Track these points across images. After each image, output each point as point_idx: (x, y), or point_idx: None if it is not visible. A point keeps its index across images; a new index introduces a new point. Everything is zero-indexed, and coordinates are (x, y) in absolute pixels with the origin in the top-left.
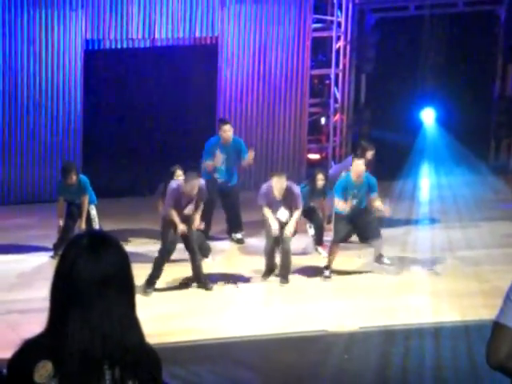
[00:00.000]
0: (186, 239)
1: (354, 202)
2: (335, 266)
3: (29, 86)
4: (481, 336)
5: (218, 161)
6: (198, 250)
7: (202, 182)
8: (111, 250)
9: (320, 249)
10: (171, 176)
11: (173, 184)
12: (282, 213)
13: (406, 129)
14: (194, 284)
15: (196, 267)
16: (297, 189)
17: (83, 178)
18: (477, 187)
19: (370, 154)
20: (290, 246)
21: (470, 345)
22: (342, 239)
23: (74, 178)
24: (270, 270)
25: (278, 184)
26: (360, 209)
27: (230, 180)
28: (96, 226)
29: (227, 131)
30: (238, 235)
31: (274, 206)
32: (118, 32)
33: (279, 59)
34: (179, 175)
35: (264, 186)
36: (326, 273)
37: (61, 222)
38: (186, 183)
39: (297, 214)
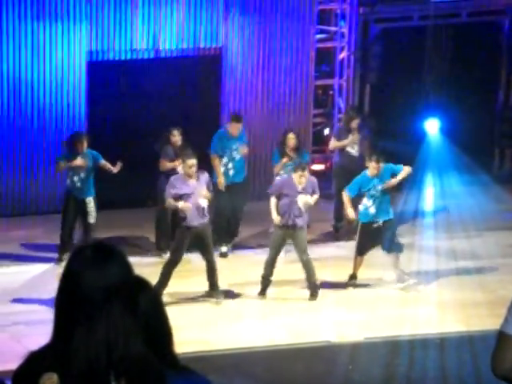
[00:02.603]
0: (203, 244)
1: (373, 206)
2: (339, 277)
3: (33, 98)
4: (486, 346)
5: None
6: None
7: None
8: (115, 261)
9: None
10: (168, 136)
11: (172, 177)
12: (301, 198)
13: (409, 139)
14: (202, 296)
15: (212, 275)
16: (313, 178)
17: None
18: (481, 197)
19: (354, 123)
20: (308, 257)
21: (475, 355)
22: (364, 253)
23: (85, 145)
24: (266, 286)
25: (299, 176)
26: (384, 219)
27: (237, 176)
28: (92, 220)
29: (239, 129)
30: (224, 248)
31: (292, 195)
32: (122, 43)
33: (283, 70)
34: (176, 135)
35: (284, 177)
36: (353, 281)
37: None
38: (184, 164)
39: (316, 196)
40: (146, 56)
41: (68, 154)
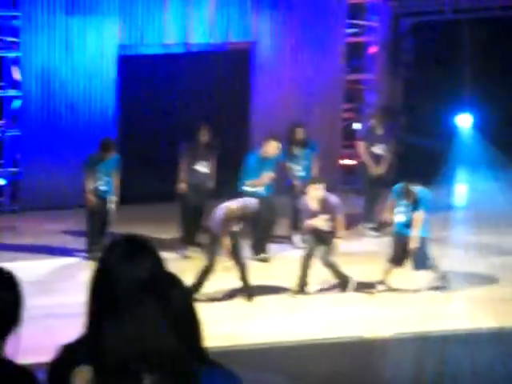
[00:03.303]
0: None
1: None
2: (370, 272)
3: (65, 92)
4: None
5: (264, 180)
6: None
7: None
8: (148, 256)
9: (296, 237)
10: (196, 132)
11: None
12: (319, 220)
13: (441, 134)
14: (232, 291)
15: (243, 275)
16: (334, 198)
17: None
18: None
19: (380, 127)
20: (328, 258)
21: (506, 351)
22: (397, 262)
23: (113, 152)
24: (303, 285)
25: (314, 193)
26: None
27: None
28: (112, 219)
29: (276, 148)
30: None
31: (310, 217)
32: (154, 38)
33: (313, 64)
34: (204, 134)
35: (300, 204)
36: (378, 288)
37: (91, 198)
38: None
39: (339, 220)
40: (176, 50)
41: (96, 159)
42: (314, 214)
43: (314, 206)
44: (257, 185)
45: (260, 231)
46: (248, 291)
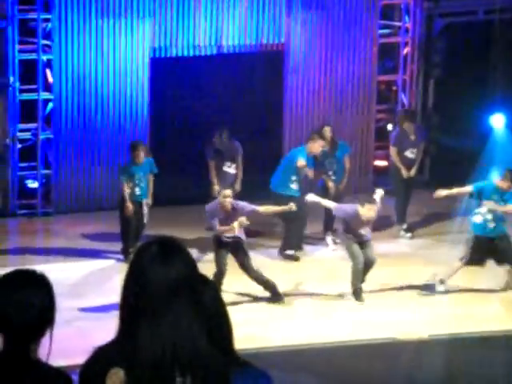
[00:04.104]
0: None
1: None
2: (401, 273)
3: (97, 94)
4: None
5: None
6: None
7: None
8: (180, 258)
9: (329, 239)
10: (220, 137)
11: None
12: (366, 230)
13: (475, 134)
14: (263, 294)
15: (262, 283)
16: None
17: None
18: None
19: (409, 128)
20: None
21: None
22: (471, 262)
23: (142, 155)
24: (359, 293)
25: (369, 212)
26: (500, 232)
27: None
28: (145, 220)
29: (322, 146)
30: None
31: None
32: (185, 39)
33: (346, 65)
34: (223, 137)
35: (349, 210)
36: (440, 288)
37: (130, 206)
38: None
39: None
40: (208, 52)
41: (130, 164)
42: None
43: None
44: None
45: (292, 230)
46: (277, 297)
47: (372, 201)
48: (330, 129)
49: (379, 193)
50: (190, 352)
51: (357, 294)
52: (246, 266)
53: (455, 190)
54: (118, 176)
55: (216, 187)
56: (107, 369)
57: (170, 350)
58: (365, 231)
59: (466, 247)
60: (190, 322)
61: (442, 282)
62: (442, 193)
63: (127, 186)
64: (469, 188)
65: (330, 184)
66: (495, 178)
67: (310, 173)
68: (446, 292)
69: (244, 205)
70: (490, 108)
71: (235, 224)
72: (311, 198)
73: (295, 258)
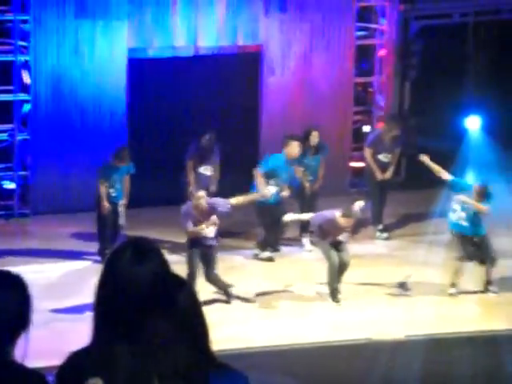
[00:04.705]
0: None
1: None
2: (377, 274)
3: (74, 96)
4: None
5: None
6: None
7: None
8: (154, 258)
9: (305, 240)
10: (209, 139)
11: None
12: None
13: (450, 136)
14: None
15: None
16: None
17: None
18: None
19: (392, 134)
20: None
21: None
22: (469, 258)
23: (127, 162)
24: (335, 293)
25: (347, 223)
26: (477, 232)
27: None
28: (122, 222)
29: (298, 147)
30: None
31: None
32: (163, 41)
33: (323, 67)
34: (207, 138)
35: (328, 216)
36: (452, 290)
37: (106, 205)
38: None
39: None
40: (185, 54)
41: (109, 168)
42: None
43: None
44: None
45: (270, 231)
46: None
47: (351, 215)
48: (318, 134)
49: (359, 204)
50: (169, 361)
51: (333, 294)
52: (208, 274)
53: (437, 167)
54: (97, 177)
55: (190, 188)
56: (85, 376)
57: (148, 359)
58: (342, 236)
59: (457, 246)
60: (166, 325)
61: (453, 285)
62: (426, 160)
63: (103, 186)
64: (448, 177)
65: (307, 184)
66: (474, 183)
67: (299, 171)
68: (459, 294)
69: (217, 201)
70: (465, 110)
71: (203, 225)
72: (289, 217)
73: (270, 259)
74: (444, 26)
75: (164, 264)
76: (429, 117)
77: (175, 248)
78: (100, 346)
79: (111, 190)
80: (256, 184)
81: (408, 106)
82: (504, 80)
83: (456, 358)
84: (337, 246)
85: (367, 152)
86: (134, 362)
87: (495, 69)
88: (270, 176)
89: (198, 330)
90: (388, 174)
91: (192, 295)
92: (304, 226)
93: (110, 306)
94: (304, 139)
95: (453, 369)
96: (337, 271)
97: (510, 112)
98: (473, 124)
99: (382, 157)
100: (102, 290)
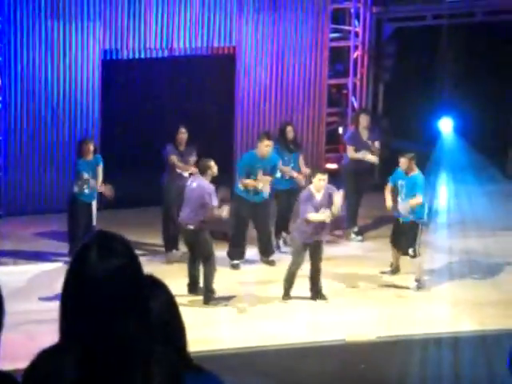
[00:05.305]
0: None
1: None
2: (351, 276)
3: (47, 96)
4: (500, 345)
5: (261, 183)
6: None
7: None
8: (120, 251)
9: (281, 241)
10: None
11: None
12: (324, 213)
13: (423, 138)
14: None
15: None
16: (333, 187)
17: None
18: (495, 196)
19: (364, 122)
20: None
21: (489, 354)
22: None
23: (91, 149)
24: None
25: (319, 182)
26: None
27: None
28: (94, 222)
29: (269, 146)
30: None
31: (316, 209)
32: (136, 42)
33: (297, 69)
34: (182, 132)
35: (304, 193)
36: (416, 284)
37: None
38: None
39: (339, 195)
40: (159, 55)
41: (77, 165)
42: (317, 207)
43: (318, 196)
44: (250, 186)
45: (262, 234)
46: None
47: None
48: (292, 128)
49: (339, 193)
50: (144, 357)
51: (286, 292)
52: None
53: (388, 196)
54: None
55: (192, 169)
56: (53, 373)
57: (121, 356)
58: (321, 228)
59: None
60: (140, 324)
61: (416, 281)
62: (389, 205)
63: (76, 184)
64: (389, 185)
65: (300, 177)
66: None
67: (286, 169)
68: (421, 288)
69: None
70: (439, 112)
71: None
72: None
73: (271, 263)
74: (418, 28)
75: (130, 256)
76: (402, 119)
77: (148, 249)
78: (69, 342)
79: (84, 187)
80: (241, 187)
81: (382, 108)
82: (477, 82)
83: (427, 358)
84: (312, 249)
85: (349, 150)
86: (106, 356)
87: (468, 71)
88: (247, 174)
89: (173, 330)
90: (374, 158)
91: (168, 297)
92: (279, 227)
93: (76, 303)
94: (280, 135)
95: (423, 369)
96: (296, 272)
97: (483, 114)
98: (446, 126)
99: (361, 155)
100: (67, 288)
